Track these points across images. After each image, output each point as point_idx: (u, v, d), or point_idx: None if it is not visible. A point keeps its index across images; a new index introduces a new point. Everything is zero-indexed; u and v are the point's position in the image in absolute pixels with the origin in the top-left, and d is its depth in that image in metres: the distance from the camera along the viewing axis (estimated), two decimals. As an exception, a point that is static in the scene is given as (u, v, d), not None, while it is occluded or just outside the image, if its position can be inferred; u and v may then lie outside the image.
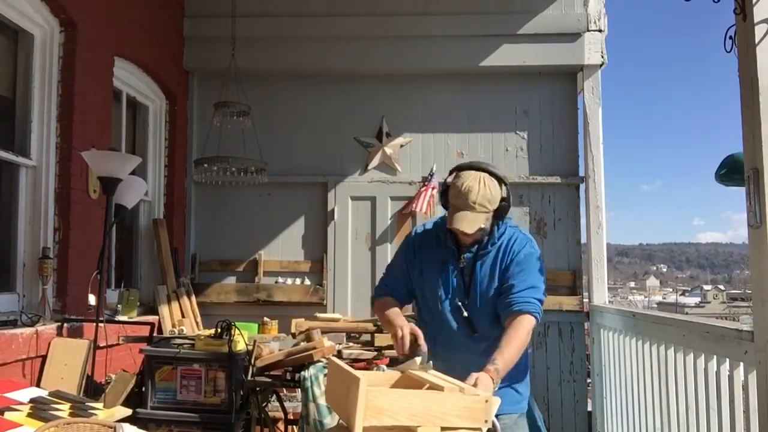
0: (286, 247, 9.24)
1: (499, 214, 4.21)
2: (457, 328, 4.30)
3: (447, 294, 4.35)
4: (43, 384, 5.65)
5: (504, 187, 4.20)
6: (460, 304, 4.30)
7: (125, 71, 7.81)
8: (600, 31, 8.87)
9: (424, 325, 4.33)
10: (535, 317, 4.11)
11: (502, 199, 4.18)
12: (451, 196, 4.19)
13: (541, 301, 4.19)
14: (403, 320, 4.13)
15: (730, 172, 5.97)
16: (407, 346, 3.90)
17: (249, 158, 7.77)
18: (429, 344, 4.10)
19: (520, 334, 3.99)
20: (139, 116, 8.60)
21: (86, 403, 5.03)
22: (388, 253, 8.94)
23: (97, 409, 4.97)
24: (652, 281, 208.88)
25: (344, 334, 7.52)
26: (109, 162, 6.04)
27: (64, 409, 4.71)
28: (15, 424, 4.21)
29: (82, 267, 6.47)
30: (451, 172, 4.31)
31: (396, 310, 4.34)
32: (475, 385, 3.50)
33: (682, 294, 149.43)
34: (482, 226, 4.14)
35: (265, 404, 6.59)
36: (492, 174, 4.17)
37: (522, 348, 4.01)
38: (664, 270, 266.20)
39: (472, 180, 4.09)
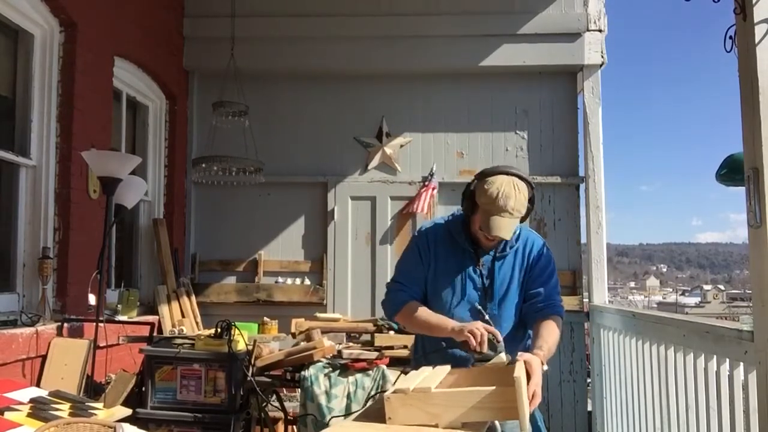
0: (286, 247, 9.25)
1: (525, 217, 4.22)
2: None
3: (464, 296, 4.32)
4: (43, 384, 5.65)
5: (530, 190, 4.19)
6: (480, 307, 4.25)
7: (125, 71, 7.82)
8: (600, 31, 8.88)
9: None
10: (563, 318, 4.26)
11: (529, 201, 4.17)
12: (484, 202, 4.10)
13: (562, 301, 4.35)
14: (451, 322, 4.11)
15: (731, 172, 5.98)
16: (486, 344, 3.85)
17: (246, 158, 7.80)
18: (436, 345, 4.19)
19: (556, 331, 4.10)
20: (139, 116, 8.60)
21: (86, 403, 5.03)
22: (388, 253, 8.99)
23: (97, 409, 4.97)
24: (652, 281, 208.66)
25: (344, 334, 7.55)
26: (109, 162, 6.05)
27: (64, 409, 4.71)
28: (15, 424, 4.21)
29: (82, 267, 6.47)
30: (476, 177, 4.25)
31: (431, 313, 4.29)
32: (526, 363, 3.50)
33: (682, 294, 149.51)
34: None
35: (265, 404, 6.58)
36: (521, 178, 4.14)
37: (557, 343, 4.06)
38: (664, 270, 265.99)
39: (507, 186, 4.04)
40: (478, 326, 3.88)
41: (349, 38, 9.08)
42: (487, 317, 4.19)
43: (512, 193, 4.02)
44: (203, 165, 7.63)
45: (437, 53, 9.03)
